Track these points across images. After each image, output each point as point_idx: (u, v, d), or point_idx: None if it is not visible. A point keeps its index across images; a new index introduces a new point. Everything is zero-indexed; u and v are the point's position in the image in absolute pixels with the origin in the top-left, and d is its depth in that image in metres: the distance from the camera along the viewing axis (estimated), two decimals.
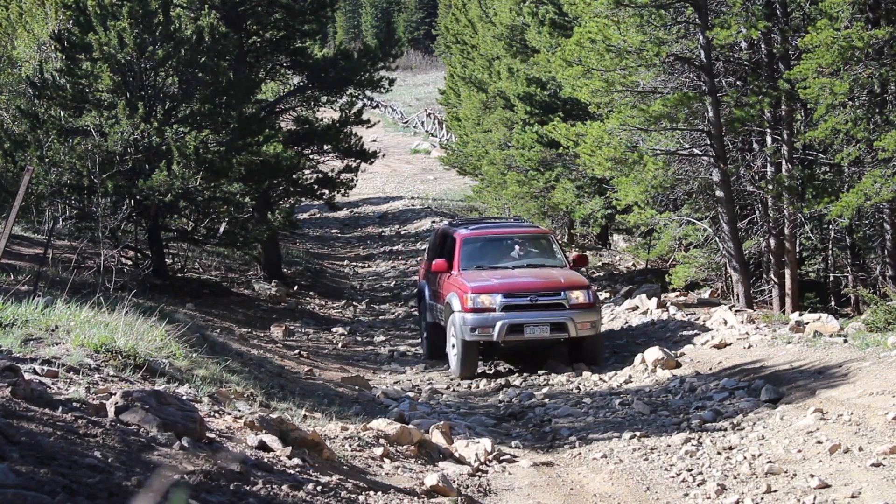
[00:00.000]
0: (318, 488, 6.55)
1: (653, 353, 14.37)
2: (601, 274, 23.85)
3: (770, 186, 17.65)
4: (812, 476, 8.46)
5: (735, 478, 8.83)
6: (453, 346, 14.89)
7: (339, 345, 18.27)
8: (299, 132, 24.59)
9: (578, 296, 14.53)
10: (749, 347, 14.28)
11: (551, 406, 12.75)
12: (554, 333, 14.56)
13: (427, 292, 16.56)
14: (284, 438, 7.74)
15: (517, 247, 16.01)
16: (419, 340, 17.43)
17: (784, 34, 17.19)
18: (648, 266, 23.57)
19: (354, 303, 23.24)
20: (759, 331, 14.98)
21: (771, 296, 18.54)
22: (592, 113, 19.70)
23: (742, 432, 10.44)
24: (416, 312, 22.15)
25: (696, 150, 18.00)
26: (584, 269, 17.21)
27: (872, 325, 14.21)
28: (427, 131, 59.96)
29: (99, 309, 10.97)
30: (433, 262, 15.70)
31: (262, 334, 17.64)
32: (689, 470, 9.18)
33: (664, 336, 16.15)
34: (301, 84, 25.41)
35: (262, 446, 7.45)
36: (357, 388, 14.20)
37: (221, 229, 19.94)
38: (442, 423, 10.88)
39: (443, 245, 16.40)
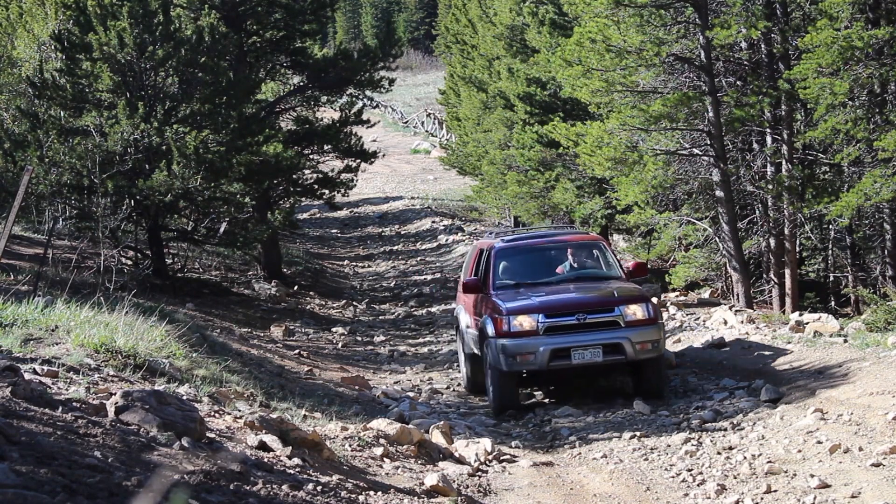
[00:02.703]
0: (318, 488, 6.55)
1: None
2: None
3: (770, 186, 17.66)
4: (812, 476, 8.46)
5: (735, 478, 8.83)
6: (490, 379, 12.64)
7: (339, 345, 18.27)
8: (299, 132, 24.61)
9: (635, 311, 12.13)
10: (749, 347, 14.28)
11: (551, 405, 12.75)
12: (608, 357, 12.06)
13: (463, 318, 14.25)
14: (284, 438, 7.74)
15: (563, 258, 13.67)
16: (460, 374, 15.02)
17: (784, 34, 17.20)
18: (648, 266, 23.56)
19: (354, 303, 23.24)
20: (759, 331, 14.97)
21: (771, 296, 18.54)
22: (592, 113, 19.71)
23: (742, 432, 10.44)
24: (417, 312, 22.18)
25: (696, 150, 18.00)
26: (644, 279, 15.23)
27: (872, 325, 14.22)
28: (427, 131, 59.96)
29: (99, 309, 10.97)
30: (465, 281, 13.60)
31: (262, 334, 17.63)
32: (689, 470, 9.18)
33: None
34: (301, 84, 25.43)
35: (262, 446, 7.45)
36: (357, 388, 14.20)
37: (221, 229, 19.95)
38: (442, 423, 10.88)
39: (479, 261, 14.15)
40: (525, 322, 12.09)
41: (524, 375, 12.50)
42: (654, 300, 13.73)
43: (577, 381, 13.23)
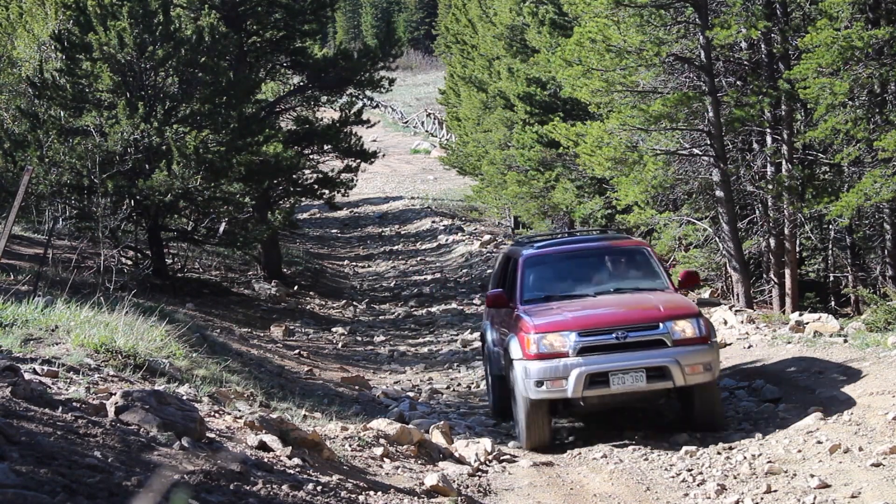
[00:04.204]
0: (318, 488, 6.55)
1: None
2: None
3: (770, 186, 17.66)
4: (812, 476, 8.46)
5: (735, 478, 8.83)
6: (516, 408, 10.96)
7: (339, 345, 18.27)
8: (299, 132, 24.62)
9: (684, 328, 10.43)
10: (749, 347, 14.28)
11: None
12: (652, 383, 10.31)
13: (489, 335, 12.70)
14: (284, 438, 7.75)
15: (600, 267, 11.98)
16: (488, 400, 13.23)
17: (784, 34, 17.20)
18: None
19: (354, 303, 23.24)
20: (759, 331, 14.97)
21: (771, 296, 18.54)
22: (592, 113, 19.72)
23: (742, 432, 10.45)
24: (417, 312, 22.18)
25: (696, 150, 18.00)
26: (694, 289, 13.61)
27: (872, 325, 14.22)
28: (427, 131, 59.97)
29: (99, 309, 10.97)
30: (488, 294, 11.93)
31: (262, 334, 17.63)
32: (689, 470, 9.18)
33: None
34: (301, 84, 25.44)
35: (262, 446, 7.45)
36: (357, 388, 14.20)
37: (221, 229, 19.96)
38: (442, 423, 10.88)
39: (504, 271, 12.58)
40: (556, 342, 10.39)
41: (555, 405, 10.72)
42: (705, 315, 11.82)
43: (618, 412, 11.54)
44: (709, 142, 17.64)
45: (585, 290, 11.51)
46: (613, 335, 10.38)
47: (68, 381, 7.93)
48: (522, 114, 24.45)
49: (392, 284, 26.09)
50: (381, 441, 9.29)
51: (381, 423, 9.79)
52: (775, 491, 8.29)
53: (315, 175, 25.26)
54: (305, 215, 37.98)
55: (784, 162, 17.65)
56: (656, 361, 10.28)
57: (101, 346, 9.22)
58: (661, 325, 10.41)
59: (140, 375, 8.98)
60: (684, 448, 9.89)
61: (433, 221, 35.85)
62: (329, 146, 25.30)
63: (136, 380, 8.84)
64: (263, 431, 7.77)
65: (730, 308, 17.03)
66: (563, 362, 10.30)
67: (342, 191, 25.84)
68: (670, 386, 10.36)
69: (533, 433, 10.59)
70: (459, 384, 15.02)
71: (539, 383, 10.35)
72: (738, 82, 18.23)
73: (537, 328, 10.51)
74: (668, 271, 12.00)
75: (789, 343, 13.88)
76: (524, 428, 10.62)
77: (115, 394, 7.09)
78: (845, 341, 13.36)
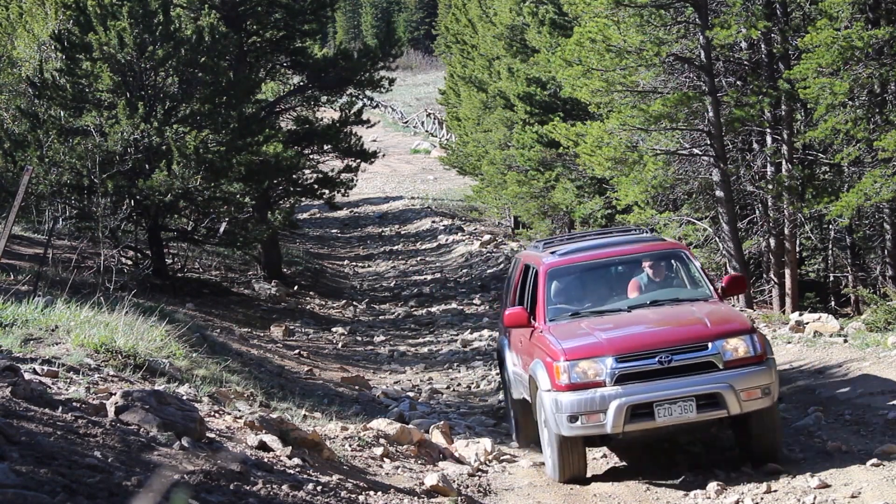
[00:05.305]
0: (318, 488, 6.55)
1: None
2: None
3: (770, 186, 17.66)
4: (812, 476, 8.46)
5: (736, 478, 8.83)
6: (547, 441, 9.49)
7: (339, 345, 18.27)
8: (299, 132, 24.62)
9: (737, 346, 9.02)
10: None
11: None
12: (704, 412, 8.92)
13: (508, 355, 11.24)
14: (284, 438, 7.75)
15: (633, 274, 10.38)
16: (510, 422, 11.88)
17: (784, 34, 17.20)
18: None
19: (354, 303, 23.24)
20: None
21: (771, 296, 18.54)
22: (592, 113, 19.71)
23: None
24: (417, 312, 22.18)
25: (696, 150, 18.00)
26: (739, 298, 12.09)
27: (872, 325, 14.22)
28: (427, 131, 59.97)
29: (99, 309, 10.98)
30: (506, 313, 10.26)
31: (262, 334, 17.63)
32: (690, 469, 9.18)
33: None
34: (301, 84, 25.44)
35: (262, 446, 7.45)
36: (357, 388, 14.20)
37: (221, 229, 19.96)
38: (442, 423, 10.89)
39: (523, 281, 10.91)
40: (590, 369, 8.96)
41: (592, 439, 9.35)
42: (759, 329, 10.33)
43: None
44: (709, 142, 17.64)
45: (618, 303, 10.01)
46: (656, 359, 8.95)
47: (68, 381, 7.94)
48: (522, 114, 24.45)
49: (392, 284, 26.10)
50: (381, 441, 9.29)
51: (381, 423, 9.80)
52: (775, 491, 8.29)
53: (315, 175, 25.26)
54: (305, 215, 37.98)
55: (784, 162, 17.65)
56: (707, 388, 8.88)
57: (101, 346, 9.23)
58: (709, 344, 9.01)
59: (140, 375, 8.99)
60: (684, 447, 9.89)
61: (433, 221, 35.86)
62: (329, 146, 25.30)
63: (136, 380, 8.85)
64: (263, 431, 7.78)
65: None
66: (599, 393, 8.88)
67: (342, 191, 25.84)
68: (724, 415, 8.95)
69: (567, 469, 9.27)
70: (459, 384, 15.02)
71: (573, 418, 8.93)
72: (738, 82, 18.23)
73: (568, 354, 9.04)
74: (709, 277, 10.41)
75: (789, 343, 13.89)
76: (556, 463, 9.29)
77: (115, 394, 7.09)
78: (845, 341, 13.37)
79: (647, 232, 11.76)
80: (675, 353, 8.94)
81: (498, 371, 15.47)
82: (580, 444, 9.20)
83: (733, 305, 17.33)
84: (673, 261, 10.46)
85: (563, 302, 10.09)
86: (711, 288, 10.02)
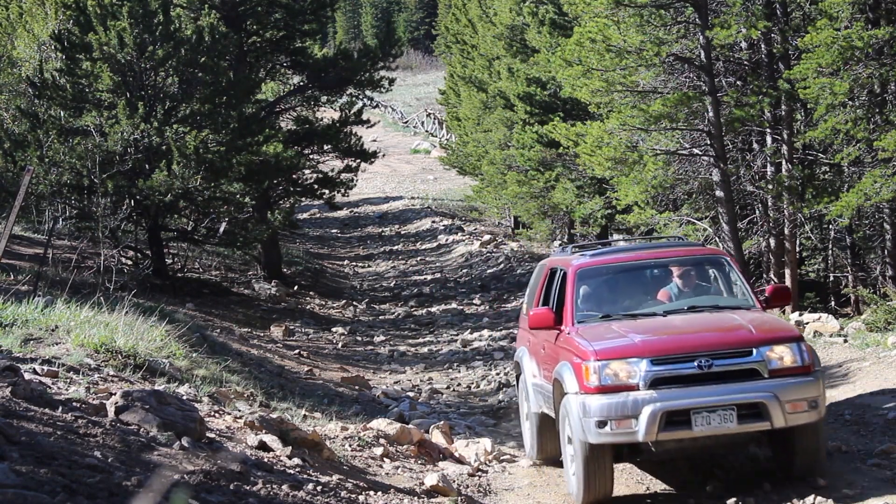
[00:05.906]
0: (318, 488, 6.55)
1: None
2: None
3: (770, 186, 17.66)
4: (812, 475, 8.46)
5: (737, 478, 8.84)
6: (571, 455, 8.69)
7: (339, 345, 18.27)
8: (299, 132, 24.62)
9: (783, 354, 8.35)
10: None
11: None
12: (745, 423, 8.20)
13: (527, 364, 10.46)
14: (284, 438, 7.75)
15: (668, 279, 9.70)
16: (521, 434, 11.01)
17: (784, 34, 17.20)
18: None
19: (354, 303, 23.24)
20: None
21: None
22: (592, 113, 19.71)
23: None
24: (417, 312, 22.19)
25: (696, 150, 18.00)
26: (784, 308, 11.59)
27: (872, 325, 14.23)
28: (427, 131, 59.97)
29: (99, 309, 10.98)
30: (531, 314, 9.47)
31: (262, 334, 17.64)
32: (690, 469, 9.18)
33: None
34: (301, 84, 25.45)
35: (262, 446, 7.46)
36: (357, 388, 14.21)
37: (221, 229, 19.97)
38: (442, 423, 10.89)
39: (548, 286, 10.23)
40: (622, 371, 8.27)
41: (620, 449, 8.54)
42: (806, 339, 9.57)
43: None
44: (709, 142, 17.63)
45: (652, 308, 9.31)
46: (695, 363, 8.23)
47: (68, 381, 7.94)
48: (522, 114, 24.45)
49: (392, 284, 26.10)
50: (381, 441, 9.30)
51: (381, 423, 9.80)
52: (775, 491, 8.29)
53: (315, 175, 25.26)
54: (305, 215, 37.99)
55: (784, 162, 17.65)
56: (750, 397, 8.15)
57: (101, 346, 9.23)
58: (754, 350, 8.31)
59: (140, 375, 8.99)
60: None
61: (433, 221, 35.87)
62: (329, 146, 25.31)
63: (136, 380, 8.85)
64: (263, 431, 7.78)
65: None
66: (631, 397, 8.16)
67: (342, 191, 25.85)
68: (767, 427, 8.22)
69: (592, 486, 8.38)
70: (459, 384, 15.02)
71: (601, 423, 8.18)
72: (738, 82, 18.22)
73: (598, 354, 8.36)
74: (753, 287, 9.79)
75: None
76: (581, 478, 8.41)
77: (115, 394, 7.09)
78: (845, 341, 13.37)
79: (684, 238, 11.38)
80: (716, 358, 8.27)
81: (496, 371, 15.52)
82: (608, 457, 8.40)
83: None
84: (713, 267, 9.86)
85: (593, 305, 9.42)
86: (754, 297, 9.39)
